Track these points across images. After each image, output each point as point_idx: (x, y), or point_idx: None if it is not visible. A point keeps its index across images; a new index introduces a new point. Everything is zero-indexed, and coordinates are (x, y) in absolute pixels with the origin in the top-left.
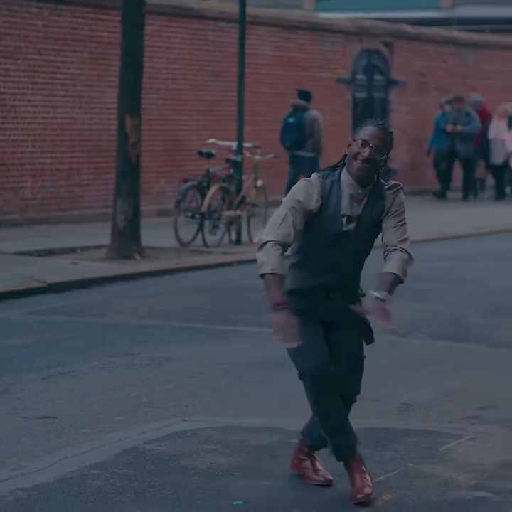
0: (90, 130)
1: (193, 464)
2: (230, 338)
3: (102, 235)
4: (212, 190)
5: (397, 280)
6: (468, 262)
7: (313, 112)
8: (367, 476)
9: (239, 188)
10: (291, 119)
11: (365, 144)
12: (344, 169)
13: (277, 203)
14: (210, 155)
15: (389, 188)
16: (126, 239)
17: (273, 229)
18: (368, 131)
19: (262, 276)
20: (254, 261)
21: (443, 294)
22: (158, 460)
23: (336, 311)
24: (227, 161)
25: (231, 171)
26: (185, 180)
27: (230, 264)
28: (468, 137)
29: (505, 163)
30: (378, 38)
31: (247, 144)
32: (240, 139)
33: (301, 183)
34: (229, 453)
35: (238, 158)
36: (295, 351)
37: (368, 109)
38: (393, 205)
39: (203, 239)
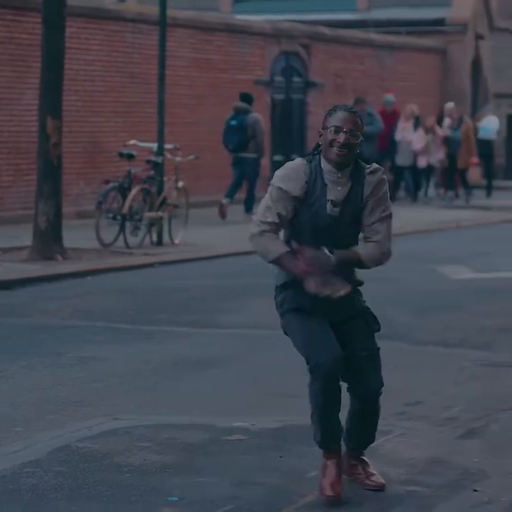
0: (9, 132)
1: (126, 461)
2: (155, 338)
3: (23, 236)
4: (134, 191)
5: (355, 256)
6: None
7: (255, 115)
8: (339, 477)
9: (160, 190)
10: (233, 122)
11: (338, 130)
12: (321, 157)
13: (199, 204)
14: (130, 156)
15: (371, 172)
16: (48, 240)
17: (261, 216)
18: (339, 116)
19: (273, 261)
20: (175, 262)
21: (364, 293)
22: (92, 458)
23: (335, 307)
24: (148, 162)
25: (152, 172)
26: (107, 182)
27: (151, 265)
28: (371, 138)
29: (412, 165)
30: (296, 40)
31: (168, 146)
32: (161, 140)
33: (286, 169)
34: (161, 450)
35: (159, 160)
36: (306, 345)
37: (287, 110)
38: (374, 192)
39: (125, 240)
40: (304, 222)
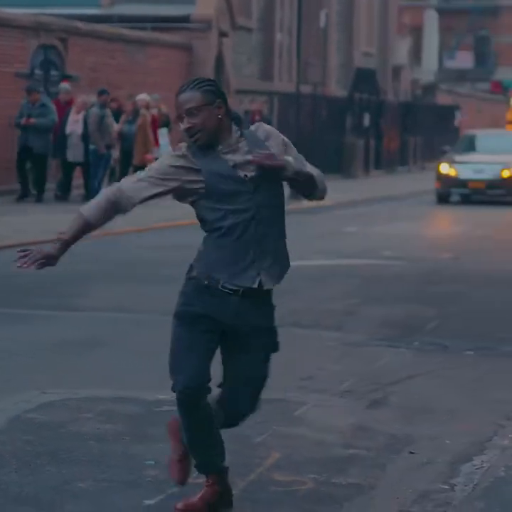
0: None
1: (82, 430)
2: (29, 321)
3: None
4: None
5: (307, 172)
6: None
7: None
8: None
9: None
10: None
11: (179, 118)
12: None
13: None
14: None
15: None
16: None
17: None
18: (177, 102)
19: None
20: None
21: None
22: (48, 427)
23: (242, 314)
24: None
25: None
26: None
27: None
28: (45, 131)
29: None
30: (54, 34)
31: None
32: None
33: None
34: (107, 420)
35: None
36: (171, 361)
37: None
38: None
39: None
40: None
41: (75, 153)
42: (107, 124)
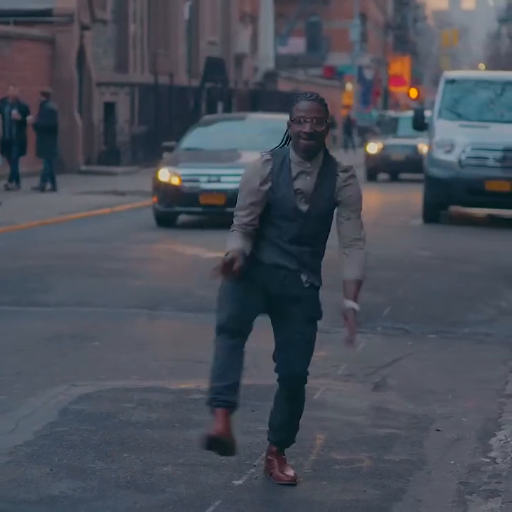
0: None
1: (132, 419)
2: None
3: None
4: None
5: (359, 285)
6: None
7: None
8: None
9: None
10: None
11: (303, 120)
12: (291, 149)
13: None
14: None
15: (344, 170)
16: None
17: (236, 218)
18: (302, 106)
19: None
20: None
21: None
22: (99, 417)
23: (286, 285)
24: None
25: None
26: None
27: None
28: None
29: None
30: None
31: None
32: None
33: (247, 168)
34: (149, 409)
35: None
36: (218, 306)
37: None
38: (346, 190)
39: None
40: (272, 215)
41: None
42: None
